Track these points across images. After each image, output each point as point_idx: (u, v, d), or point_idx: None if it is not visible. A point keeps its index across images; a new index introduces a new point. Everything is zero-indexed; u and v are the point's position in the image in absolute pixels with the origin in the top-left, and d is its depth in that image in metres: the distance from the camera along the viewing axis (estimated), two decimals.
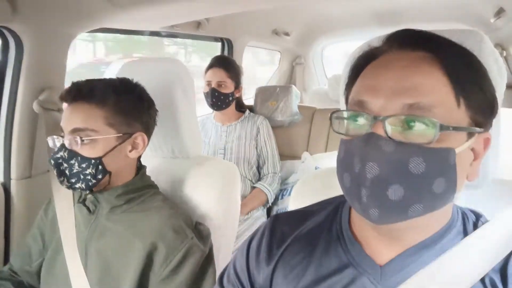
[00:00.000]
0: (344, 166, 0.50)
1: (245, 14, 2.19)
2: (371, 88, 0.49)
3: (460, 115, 0.47)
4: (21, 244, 1.01)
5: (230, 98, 1.89)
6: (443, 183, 0.46)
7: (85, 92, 0.82)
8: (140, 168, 0.95)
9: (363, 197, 0.46)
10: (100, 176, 0.83)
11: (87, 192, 0.88)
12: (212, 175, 1.03)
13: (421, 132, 0.45)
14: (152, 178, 0.97)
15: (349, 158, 0.48)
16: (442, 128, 0.44)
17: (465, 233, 0.53)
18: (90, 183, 0.83)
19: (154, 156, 1.11)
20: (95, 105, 0.82)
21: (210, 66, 1.89)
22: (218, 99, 1.86)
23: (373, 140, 0.46)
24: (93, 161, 0.81)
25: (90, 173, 0.82)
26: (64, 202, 0.94)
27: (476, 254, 0.49)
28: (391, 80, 0.47)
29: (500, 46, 2.22)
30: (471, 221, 0.55)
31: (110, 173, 0.85)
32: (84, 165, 0.81)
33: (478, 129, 0.49)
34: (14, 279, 0.97)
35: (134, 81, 0.91)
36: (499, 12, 1.89)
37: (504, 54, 2.25)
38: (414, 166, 0.44)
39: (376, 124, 0.46)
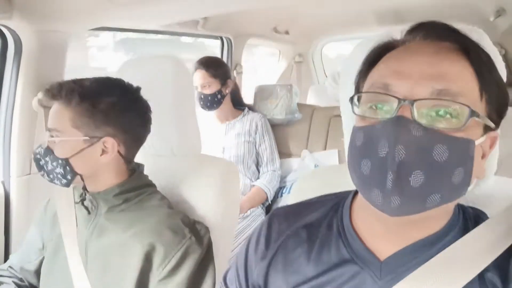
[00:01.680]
0: (363, 152, 0.48)
1: (245, 12, 2.18)
2: (398, 72, 0.48)
3: (481, 108, 0.48)
4: (20, 242, 1.01)
5: (219, 96, 1.88)
6: (461, 174, 0.46)
7: (55, 92, 0.81)
8: (138, 167, 0.94)
9: (388, 182, 0.44)
10: (69, 177, 0.83)
11: (85, 192, 0.88)
12: (211, 174, 1.03)
13: (450, 117, 0.45)
14: (151, 177, 0.96)
15: (372, 143, 0.47)
16: (473, 114, 0.45)
17: (466, 230, 0.53)
18: (62, 182, 0.83)
19: (153, 155, 1.11)
20: (62, 106, 0.81)
21: (193, 71, 1.88)
22: (206, 101, 1.86)
23: (403, 123, 0.44)
24: (60, 161, 0.81)
25: (59, 172, 0.82)
26: (64, 200, 0.94)
27: (476, 251, 0.49)
28: (420, 65, 0.47)
29: (500, 45, 2.22)
30: (472, 219, 0.54)
31: (80, 175, 0.84)
32: (54, 164, 0.82)
33: (493, 125, 0.49)
34: (14, 276, 0.98)
35: (119, 81, 0.88)
36: (499, 11, 1.89)
37: (504, 52, 2.25)
38: (438, 153, 0.44)
39: (403, 107, 0.45)
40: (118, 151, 0.86)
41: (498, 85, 0.50)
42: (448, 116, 0.45)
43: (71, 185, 0.86)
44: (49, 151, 0.82)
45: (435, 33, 0.50)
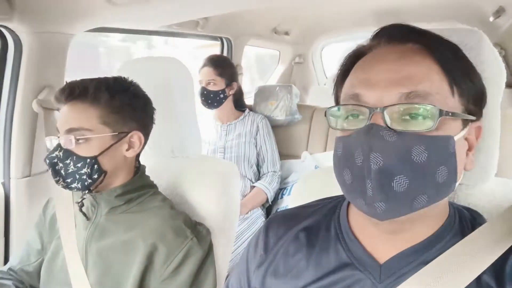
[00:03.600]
0: (343, 162, 0.49)
1: (245, 13, 2.18)
2: (365, 81, 0.49)
3: (454, 103, 0.48)
4: (21, 244, 1.01)
5: (221, 96, 1.89)
6: (445, 171, 0.46)
7: (78, 92, 0.82)
8: (139, 167, 0.94)
9: (368, 190, 0.45)
10: (96, 176, 0.82)
11: (85, 192, 0.87)
12: (212, 175, 1.03)
13: (422, 119, 0.45)
14: (152, 178, 0.96)
15: (349, 153, 0.48)
16: (442, 113, 0.45)
17: (463, 232, 0.53)
18: (86, 183, 0.82)
19: (153, 156, 1.11)
20: (89, 104, 0.82)
21: (202, 66, 1.91)
22: (208, 97, 1.88)
23: (374, 130, 0.45)
24: (88, 160, 0.81)
25: (85, 172, 0.81)
26: (64, 201, 0.94)
27: (475, 254, 0.49)
28: (385, 72, 0.48)
29: (500, 45, 2.21)
30: (468, 221, 0.54)
31: (106, 172, 0.84)
32: (79, 165, 0.81)
33: (471, 116, 0.49)
34: (14, 278, 0.97)
35: (131, 79, 0.90)
36: (499, 11, 1.89)
37: (504, 53, 2.24)
38: (416, 155, 0.44)
39: (375, 115, 0.46)
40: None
41: (468, 76, 0.50)
42: (419, 118, 0.45)
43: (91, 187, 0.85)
44: (69, 152, 0.81)
45: (397, 36, 0.51)
